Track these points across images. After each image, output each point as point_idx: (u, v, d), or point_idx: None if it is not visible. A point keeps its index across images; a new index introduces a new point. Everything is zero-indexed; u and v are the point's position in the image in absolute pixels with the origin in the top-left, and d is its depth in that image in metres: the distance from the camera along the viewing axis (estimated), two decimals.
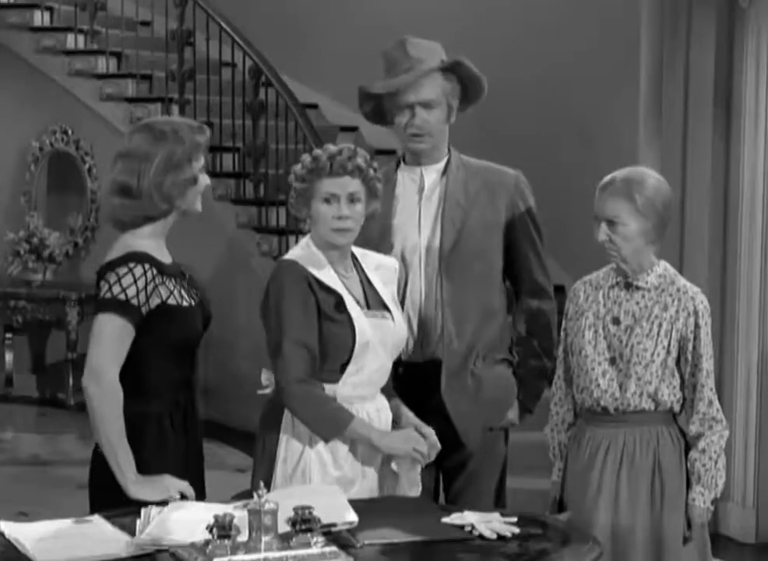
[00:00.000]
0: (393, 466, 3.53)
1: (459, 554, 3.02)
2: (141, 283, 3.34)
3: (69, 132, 8.82)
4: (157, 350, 3.40)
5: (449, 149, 3.97)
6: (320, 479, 3.45)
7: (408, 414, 3.64)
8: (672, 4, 5.90)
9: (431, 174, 3.94)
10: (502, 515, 3.23)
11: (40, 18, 8.89)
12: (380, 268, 3.67)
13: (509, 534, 3.12)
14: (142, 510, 3.16)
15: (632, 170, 3.68)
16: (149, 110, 8.32)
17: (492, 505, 3.84)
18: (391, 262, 3.72)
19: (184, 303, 3.43)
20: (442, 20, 7.74)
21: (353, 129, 8.86)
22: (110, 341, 3.33)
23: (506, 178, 3.96)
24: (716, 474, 3.57)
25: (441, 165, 3.95)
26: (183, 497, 3.26)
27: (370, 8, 8.72)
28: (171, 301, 3.40)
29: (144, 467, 3.33)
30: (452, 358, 3.86)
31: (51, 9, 8.95)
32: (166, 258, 3.48)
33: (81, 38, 8.74)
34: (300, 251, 3.58)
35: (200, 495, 3.43)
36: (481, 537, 3.11)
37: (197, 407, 3.55)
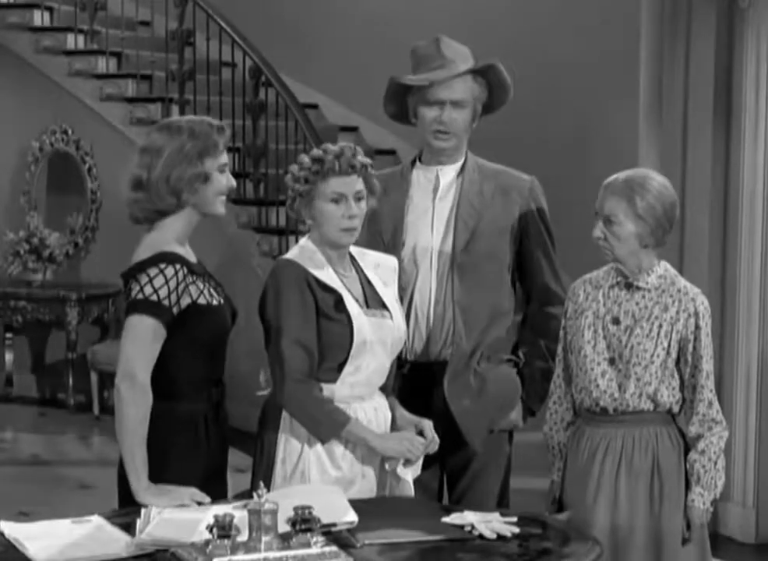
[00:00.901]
0: (386, 465, 3.53)
1: (458, 554, 3.02)
2: (173, 283, 3.35)
3: (69, 132, 8.81)
4: (190, 349, 3.41)
5: (465, 152, 3.97)
6: (319, 480, 3.45)
7: (404, 413, 3.64)
8: (672, 4, 5.90)
9: (447, 175, 3.94)
10: (502, 515, 3.23)
11: (40, 18, 8.89)
12: (379, 267, 3.67)
13: (508, 534, 3.12)
14: (142, 510, 3.16)
15: (637, 171, 3.67)
16: (149, 110, 8.32)
17: (496, 505, 3.84)
18: (391, 261, 3.71)
19: (214, 302, 3.46)
20: (440, 24, 7.68)
21: (353, 129, 8.87)
22: (143, 343, 3.34)
23: (521, 182, 3.97)
24: (715, 475, 3.57)
25: (457, 166, 3.95)
26: (198, 503, 3.25)
27: (370, 8, 8.71)
28: (201, 300, 3.42)
29: (178, 466, 3.35)
30: (458, 358, 3.86)
31: (50, 9, 8.95)
32: (192, 258, 3.49)
33: (81, 38, 8.73)
34: (298, 250, 3.57)
35: (222, 487, 3.48)
36: (481, 537, 3.11)
37: (225, 403, 3.58)
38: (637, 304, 3.60)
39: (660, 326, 3.57)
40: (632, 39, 6.18)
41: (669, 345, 3.57)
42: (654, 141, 6.00)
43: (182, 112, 8.18)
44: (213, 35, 7.98)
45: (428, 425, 3.60)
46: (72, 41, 8.69)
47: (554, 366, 3.86)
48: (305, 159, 3.56)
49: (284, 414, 3.50)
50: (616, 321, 3.60)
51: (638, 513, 3.56)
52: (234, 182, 3.52)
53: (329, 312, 3.48)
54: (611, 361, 3.60)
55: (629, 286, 3.62)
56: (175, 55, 8.26)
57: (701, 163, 5.88)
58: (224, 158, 3.48)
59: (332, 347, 3.49)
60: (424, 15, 8.20)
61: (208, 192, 3.45)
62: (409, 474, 3.56)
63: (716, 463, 3.57)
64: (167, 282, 3.35)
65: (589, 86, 7.41)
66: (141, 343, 3.33)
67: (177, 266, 3.37)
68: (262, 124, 7.84)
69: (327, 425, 3.46)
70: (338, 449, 3.49)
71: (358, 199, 3.52)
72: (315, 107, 8.92)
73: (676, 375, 3.59)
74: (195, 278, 3.42)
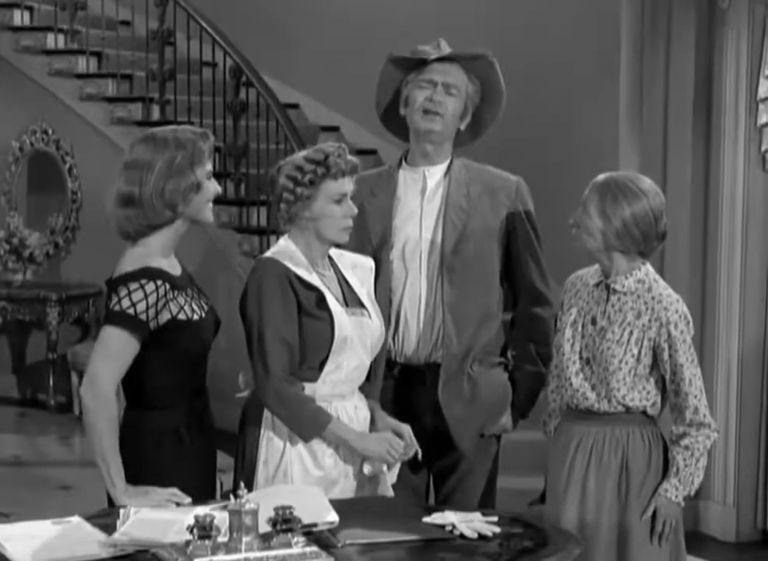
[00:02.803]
0: (365, 469, 3.53)
1: (439, 553, 3.03)
2: (152, 299, 3.35)
3: (49, 131, 8.78)
4: (170, 362, 3.42)
5: (451, 153, 3.96)
6: (301, 480, 3.45)
7: (384, 416, 3.64)
8: (652, 5, 5.91)
9: (434, 176, 3.93)
10: (483, 514, 3.23)
11: (19, 17, 8.86)
12: (356, 267, 3.67)
13: (489, 534, 3.12)
14: (121, 510, 3.16)
15: (628, 173, 3.72)
16: (130, 110, 8.30)
17: (483, 506, 3.81)
18: (367, 261, 3.72)
19: (195, 317, 3.45)
20: (421, 21, 7.74)
21: (334, 129, 8.87)
22: (112, 354, 3.34)
23: (508, 183, 3.96)
24: (694, 472, 3.57)
25: (443, 167, 3.94)
26: (177, 504, 3.25)
27: (351, 8, 8.71)
28: (181, 316, 3.41)
29: (165, 477, 3.35)
30: (451, 361, 3.85)
31: (30, 9, 8.92)
32: (176, 270, 3.48)
33: (61, 38, 8.71)
34: (279, 249, 3.57)
35: (212, 493, 3.47)
36: (462, 536, 3.11)
37: (210, 411, 3.58)
38: (613, 306, 3.58)
39: (632, 332, 3.54)
40: (613, 40, 6.19)
41: (640, 352, 3.54)
42: (635, 142, 6.01)
43: (163, 112, 8.18)
44: (194, 35, 7.97)
45: (407, 430, 3.59)
46: (52, 41, 8.67)
47: (544, 369, 3.88)
48: (303, 162, 3.52)
49: (266, 413, 3.50)
50: (594, 321, 3.60)
51: (604, 511, 3.56)
52: (219, 188, 3.53)
53: (311, 310, 3.49)
54: (587, 362, 3.59)
55: (608, 287, 3.62)
56: (156, 55, 8.24)
57: (681, 163, 5.90)
58: (210, 165, 3.48)
59: (314, 345, 3.49)
60: (404, 16, 8.20)
61: (200, 200, 3.45)
62: (387, 476, 3.56)
63: (698, 460, 3.57)
64: (146, 297, 3.34)
65: (569, 87, 7.42)
66: (110, 354, 3.34)
67: (159, 283, 3.36)
68: (243, 124, 7.83)
69: (310, 424, 3.47)
70: (320, 448, 3.49)
71: (351, 198, 3.56)
72: (296, 106, 8.91)
73: (651, 380, 3.56)
74: (176, 294, 3.41)
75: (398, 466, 3.58)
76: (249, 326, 3.51)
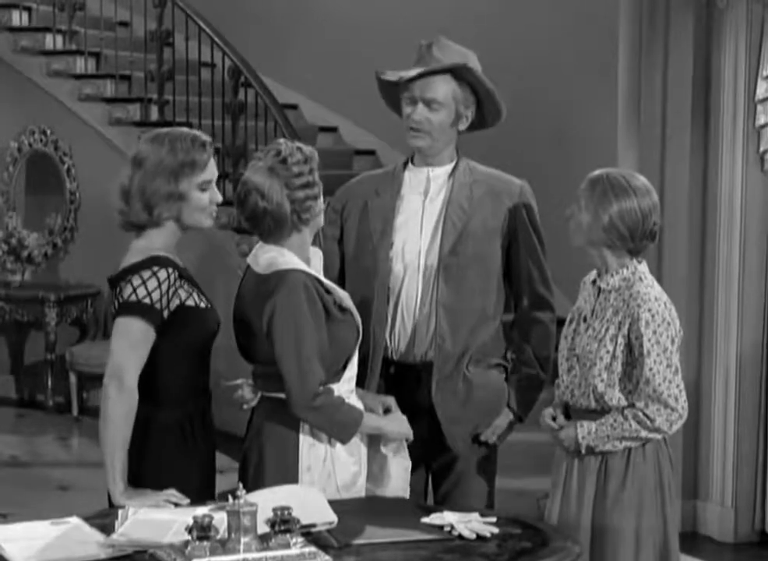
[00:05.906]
0: (384, 449, 3.56)
1: (438, 554, 3.02)
2: (165, 286, 3.36)
3: (48, 132, 8.78)
4: (178, 352, 3.42)
5: (457, 154, 3.96)
6: (344, 477, 3.46)
7: (366, 393, 3.68)
8: (650, 5, 5.92)
9: (438, 177, 3.93)
10: (482, 515, 3.24)
11: (18, 18, 8.86)
12: (316, 258, 3.62)
13: (488, 534, 3.12)
14: (119, 511, 3.16)
15: (623, 170, 3.70)
16: (128, 110, 8.31)
17: (481, 506, 3.80)
18: (316, 251, 3.66)
19: (202, 304, 3.46)
20: (419, 21, 7.75)
21: (332, 129, 8.87)
22: (133, 345, 3.35)
23: (511, 186, 3.95)
24: (611, 433, 3.49)
25: (448, 168, 3.94)
26: (176, 505, 3.25)
27: (349, 9, 8.72)
28: (190, 302, 3.43)
29: (167, 474, 3.35)
30: (444, 361, 3.86)
31: (29, 9, 8.92)
32: (179, 263, 3.49)
33: (59, 38, 8.71)
34: (287, 259, 3.46)
35: (211, 495, 3.47)
36: (460, 537, 3.11)
37: (211, 411, 3.58)
38: (600, 304, 3.58)
39: (608, 329, 3.52)
40: (611, 39, 6.19)
41: (615, 349, 3.51)
42: (633, 143, 6.02)
43: (161, 113, 8.18)
44: (192, 35, 7.97)
45: (392, 400, 3.64)
46: (50, 41, 8.67)
47: (542, 373, 3.92)
48: (300, 166, 3.45)
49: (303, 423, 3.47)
50: (584, 319, 3.61)
51: (584, 510, 3.55)
52: (219, 197, 3.49)
53: (337, 316, 3.46)
54: (577, 359, 3.59)
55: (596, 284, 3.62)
56: (154, 56, 8.25)
57: (679, 164, 5.90)
58: (207, 175, 3.45)
59: (343, 349, 3.48)
60: (402, 17, 8.20)
61: (185, 209, 3.45)
62: (403, 458, 3.61)
63: (624, 431, 3.48)
64: (159, 285, 3.36)
65: (567, 87, 7.42)
66: (132, 345, 3.34)
67: (170, 270, 3.38)
68: (242, 124, 7.83)
69: (348, 426, 3.46)
70: (354, 442, 3.49)
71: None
72: (294, 107, 8.91)
73: (634, 379, 3.51)
74: (183, 282, 3.43)
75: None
76: (279, 343, 3.39)
